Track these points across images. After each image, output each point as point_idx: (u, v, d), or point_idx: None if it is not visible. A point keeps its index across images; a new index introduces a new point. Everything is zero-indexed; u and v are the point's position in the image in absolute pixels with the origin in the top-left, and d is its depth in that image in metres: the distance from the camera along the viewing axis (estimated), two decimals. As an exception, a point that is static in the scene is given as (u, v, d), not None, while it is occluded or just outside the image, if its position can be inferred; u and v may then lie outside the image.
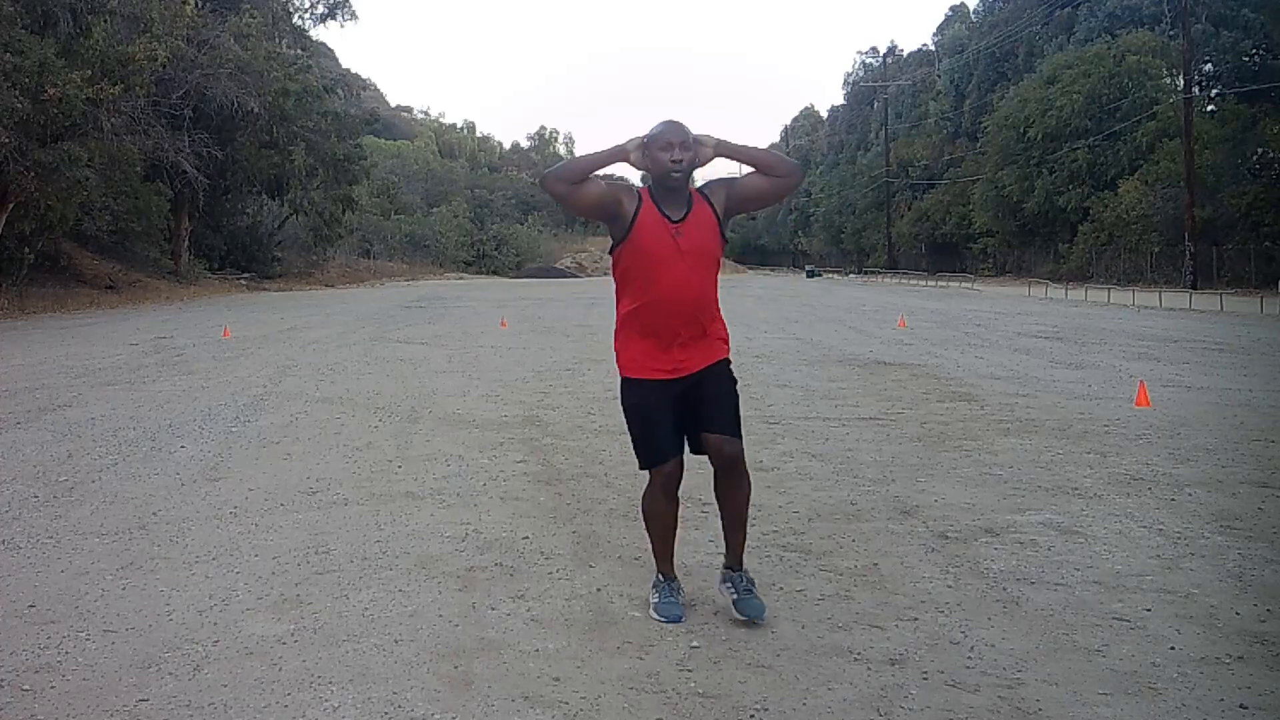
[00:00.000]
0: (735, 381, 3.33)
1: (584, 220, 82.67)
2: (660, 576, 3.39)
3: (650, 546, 3.43)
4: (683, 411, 3.25)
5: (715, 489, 3.30)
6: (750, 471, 3.32)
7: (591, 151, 3.32)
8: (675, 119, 3.28)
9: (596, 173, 3.27)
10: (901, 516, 4.46)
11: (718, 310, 3.36)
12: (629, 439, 3.37)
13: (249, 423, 7.17)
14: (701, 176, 3.55)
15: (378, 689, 2.75)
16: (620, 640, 3.09)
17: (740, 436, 3.25)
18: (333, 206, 40.01)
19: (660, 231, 3.21)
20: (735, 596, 3.22)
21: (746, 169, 3.39)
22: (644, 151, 3.27)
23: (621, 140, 3.34)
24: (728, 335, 3.39)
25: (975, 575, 3.67)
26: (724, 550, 3.38)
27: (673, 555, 3.42)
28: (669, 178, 3.22)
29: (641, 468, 3.32)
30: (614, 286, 3.39)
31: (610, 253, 3.36)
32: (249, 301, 27.76)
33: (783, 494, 4.87)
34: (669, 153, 3.20)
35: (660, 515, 3.33)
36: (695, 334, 3.26)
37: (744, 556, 3.33)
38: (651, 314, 3.23)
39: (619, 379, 3.36)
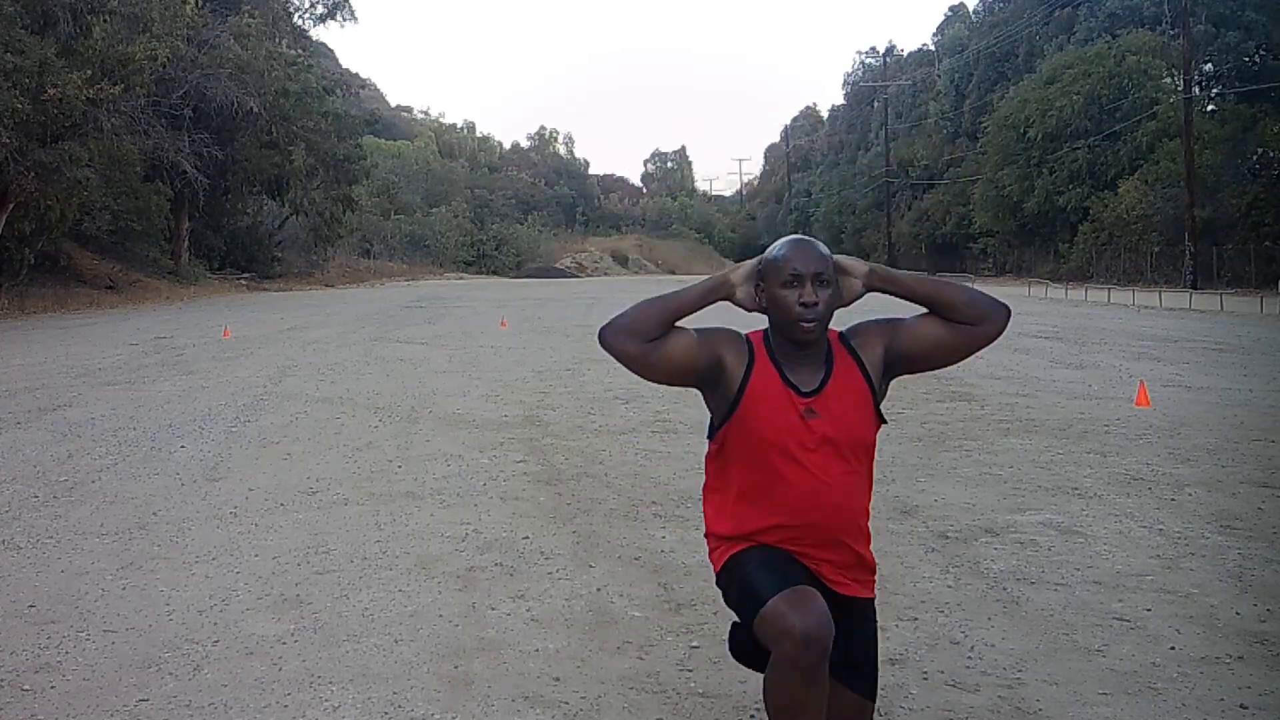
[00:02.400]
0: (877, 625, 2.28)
1: (592, 223, 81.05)
2: None
3: None
4: None
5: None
6: None
7: (671, 291, 2.17)
8: (805, 237, 2.20)
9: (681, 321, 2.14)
10: (901, 516, 4.46)
11: (867, 528, 2.22)
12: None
13: (249, 423, 7.17)
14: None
15: (378, 689, 2.75)
16: (620, 640, 3.09)
17: (875, 698, 2.22)
18: (333, 206, 39.95)
19: (783, 411, 2.11)
20: None
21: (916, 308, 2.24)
22: (756, 285, 2.15)
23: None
24: (875, 566, 2.27)
25: (975, 575, 3.67)
26: None
27: None
28: (798, 329, 2.09)
29: (762, 600, 2.02)
30: (704, 475, 2.28)
31: (710, 436, 2.22)
32: (249, 301, 27.73)
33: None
34: (796, 290, 2.07)
35: (801, 706, 1.99)
36: (843, 562, 2.18)
37: None
38: (770, 539, 2.14)
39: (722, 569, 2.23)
